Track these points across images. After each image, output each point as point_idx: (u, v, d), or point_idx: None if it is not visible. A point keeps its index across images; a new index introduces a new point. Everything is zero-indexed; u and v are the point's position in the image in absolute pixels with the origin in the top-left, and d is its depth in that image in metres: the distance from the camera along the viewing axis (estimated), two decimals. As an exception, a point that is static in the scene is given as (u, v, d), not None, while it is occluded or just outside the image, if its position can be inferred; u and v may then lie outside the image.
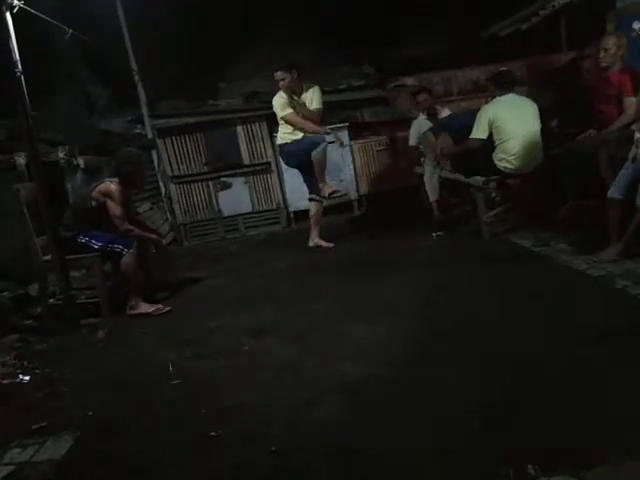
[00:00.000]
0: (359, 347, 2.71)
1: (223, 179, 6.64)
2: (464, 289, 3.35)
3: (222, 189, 6.66)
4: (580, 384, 2.06)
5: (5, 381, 2.88)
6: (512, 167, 4.30)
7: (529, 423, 1.86)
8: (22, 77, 3.41)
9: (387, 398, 2.19)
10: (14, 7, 3.39)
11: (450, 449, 1.79)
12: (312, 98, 4.81)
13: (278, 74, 4.69)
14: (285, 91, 4.73)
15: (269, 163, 6.64)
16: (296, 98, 4.76)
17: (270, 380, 2.50)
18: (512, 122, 4.26)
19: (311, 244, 5.05)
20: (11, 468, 2.06)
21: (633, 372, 2.08)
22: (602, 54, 3.98)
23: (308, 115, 4.78)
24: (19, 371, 2.99)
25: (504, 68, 4.63)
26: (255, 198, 6.71)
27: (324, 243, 5.00)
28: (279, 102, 4.78)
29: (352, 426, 2.02)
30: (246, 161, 6.62)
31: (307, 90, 4.82)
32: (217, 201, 6.67)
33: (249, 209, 6.72)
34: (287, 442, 1.96)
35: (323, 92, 6.91)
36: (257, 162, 6.65)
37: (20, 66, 3.40)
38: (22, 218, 3.60)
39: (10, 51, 3.35)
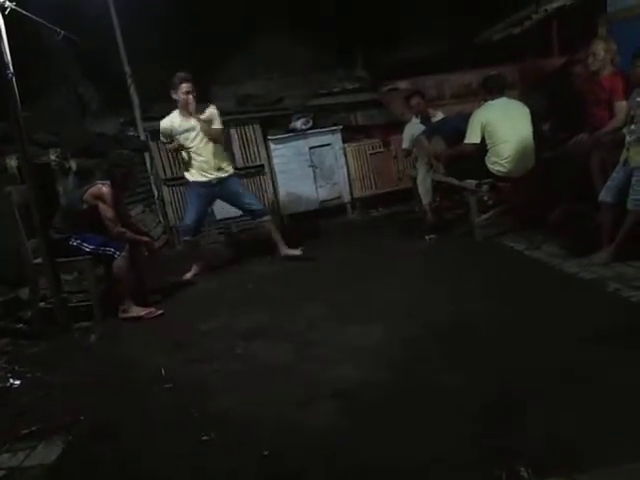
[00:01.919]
0: (355, 350, 2.71)
1: (216, 182, 6.62)
2: (458, 292, 3.36)
3: (215, 192, 6.63)
4: (575, 386, 2.07)
5: (-4, 385, 2.86)
6: (504, 170, 4.31)
7: (527, 425, 1.87)
8: (14, 79, 3.39)
9: (383, 401, 2.19)
10: (6, 8, 3.37)
11: (447, 452, 1.79)
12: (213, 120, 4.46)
13: (189, 85, 4.35)
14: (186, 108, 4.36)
15: (262, 166, 6.63)
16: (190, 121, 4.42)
17: (264, 384, 2.50)
18: (504, 126, 4.29)
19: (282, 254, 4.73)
20: (1, 473, 2.04)
21: (627, 373, 2.09)
22: (591, 59, 4.02)
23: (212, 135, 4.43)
24: (10, 375, 2.96)
25: (494, 72, 4.65)
26: (248, 201, 6.69)
27: (291, 251, 4.71)
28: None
29: (348, 429, 2.02)
30: (239, 164, 6.61)
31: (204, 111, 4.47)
32: (210, 204, 6.64)
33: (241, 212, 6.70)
34: (281, 446, 1.96)
35: (318, 95, 6.91)
36: (250, 165, 6.63)
37: (12, 68, 3.38)
38: (13, 221, 3.57)
39: (1, 53, 3.33)
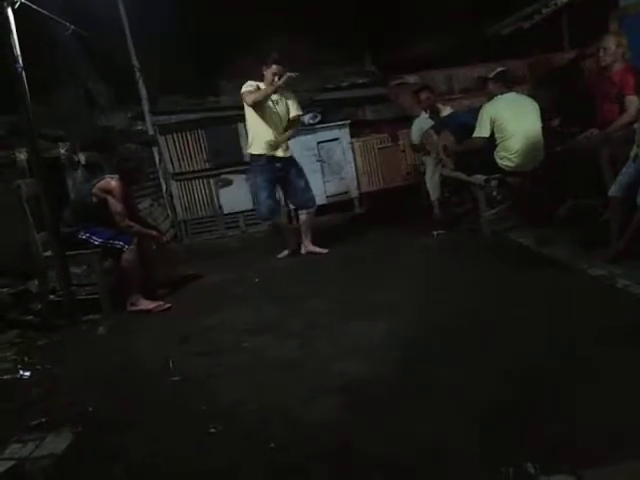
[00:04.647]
0: (359, 345, 2.71)
1: (224, 176, 6.64)
2: (465, 288, 3.35)
3: (223, 186, 6.65)
4: (580, 383, 2.06)
5: (6, 377, 2.89)
6: (513, 165, 4.29)
7: (530, 422, 1.86)
8: (23, 73, 3.41)
9: (387, 397, 2.19)
10: (15, 3, 3.39)
11: (450, 448, 1.79)
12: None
13: (279, 68, 4.40)
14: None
15: (270, 160, 6.63)
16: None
17: (270, 377, 2.50)
18: (513, 120, 4.26)
19: (304, 251, 4.83)
20: (11, 463, 2.06)
21: (634, 371, 2.08)
22: (602, 53, 3.99)
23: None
24: (20, 367, 2.99)
25: (501, 68, 4.62)
26: (255, 195, 6.70)
27: (317, 249, 4.79)
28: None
29: (352, 424, 2.02)
30: (247, 158, 6.60)
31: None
32: (218, 198, 6.66)
33: (250, 206, 6.71)
34: (286, 439, 1.96)
35: (326, 90, 6.88)
36: (258, 159, 6.63)
37: (21, 62, 3.39)
38: (23, 214, 3.60)
39: (11, 47, 3.35)
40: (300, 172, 4.71)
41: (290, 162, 4.64)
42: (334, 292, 3.62)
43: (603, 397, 1.94)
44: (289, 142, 4.66)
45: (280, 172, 4.59)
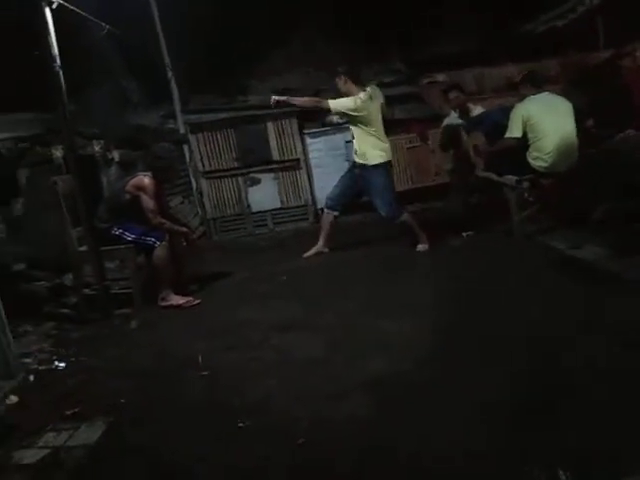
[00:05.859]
0: (386, 344, 2.70)
1: (253, 175, 6.70)
2: (494, 290, 3.31)
3: (251, 185, 6.71)
4: (613, 389, 2.02)
5: (42, 367, 2.97)
6: (546, 165, 4.21)
7: (560, 425, 1.83)
8: (60, 72, 3.49)
9: (414, 394, 2.18)
10: (53, 3, 3.48)
11: (477, 447, 1.77)
12: None
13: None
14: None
15: (298, 160, 6.66)
16: None
17: (297, 374, 2.52)
18: (546, 120, 4.19)
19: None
20: (46, 451, 2.12)
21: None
22: (638, 53, 3.90)
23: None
24: (55, 358, 3.08)
25: (525, 71, 4.57)
26: (284, 194, 6.75)
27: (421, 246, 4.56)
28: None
29: (379, 421, 2.02)
30: (275, 157, 6.66)
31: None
32: (246, 197, 6.72)
33: (278, 205, 6.76)
34: (314, 435, 1.98)
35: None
36: (286, 158, 6.68)
37: (59, 61, 3.48)
38: (59, 210, 3.70)
39: (49, 46, 3.44)
40: (370, 183, 4.48)
41: (363, 170, 4.49)
42: (361, 291, 3.62)
43: (635, 404, 1.90)
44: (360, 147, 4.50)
45: (357, 174, 4.56)
